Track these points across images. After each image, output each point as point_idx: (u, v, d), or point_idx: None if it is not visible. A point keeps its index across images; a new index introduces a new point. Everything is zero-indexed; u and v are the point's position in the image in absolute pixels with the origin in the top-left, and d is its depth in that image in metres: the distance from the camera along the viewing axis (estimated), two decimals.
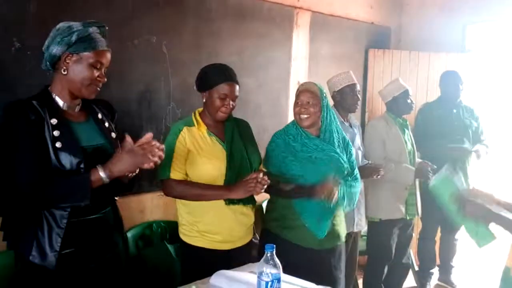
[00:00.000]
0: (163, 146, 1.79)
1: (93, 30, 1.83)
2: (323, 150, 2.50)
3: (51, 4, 2.51)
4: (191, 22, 3.22)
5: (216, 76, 2.31)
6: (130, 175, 1.87)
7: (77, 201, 1.72)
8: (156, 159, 1.75)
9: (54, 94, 1.83)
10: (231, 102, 2.31)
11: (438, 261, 4.29)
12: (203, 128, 2.33)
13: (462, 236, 4.14)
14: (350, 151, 2.66)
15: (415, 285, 4.20)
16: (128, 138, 1.78)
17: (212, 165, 2.28)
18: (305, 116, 2.51)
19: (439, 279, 4.29)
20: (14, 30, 2.38)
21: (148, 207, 2.31)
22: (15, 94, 2.34)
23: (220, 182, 2.29)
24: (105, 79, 1.88)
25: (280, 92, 3.93)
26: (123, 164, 1.74)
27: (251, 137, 2.51)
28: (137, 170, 1.83)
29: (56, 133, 1.73)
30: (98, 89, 1.87)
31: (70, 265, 1.79)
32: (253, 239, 2.58)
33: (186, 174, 2.31)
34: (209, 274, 2.00)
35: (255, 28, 3.67)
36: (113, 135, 1.96)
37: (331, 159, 2.50)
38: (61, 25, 1.82)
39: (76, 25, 1.81)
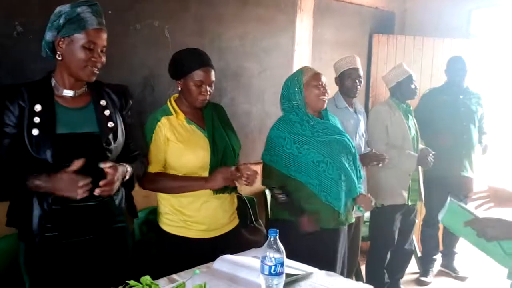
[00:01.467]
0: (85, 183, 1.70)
1: (82, 9, 1.75)
2: (334, 132, 2.52)
3: None
4: (193, 7, 3.19)
5: (189, 63, 2.19)
6: (125, 178, 1.85)
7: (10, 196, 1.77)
8: (74, 194, 1.68)
9: (53, 80, 1.82)
10: (208, 88, 2.20)
11: (441, 247, 4.31)
12: (182, 117, 2.24)
13: None
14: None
15: (418, 271, 4.22)
16: (74, 164, 1.70)
17: (195, 154, 2.20)
18: (325, 98, 2.51)
19: (442, 265, 4.32)
20: (16, 14, 2.37)
21: (151, 192, 2.30)
22: (18, 78, 2.33)
23: (205, 170, 2.22)
24: (103, 60, 1.81)
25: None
26: (53, 188, 1.70)
27: (229, 122, 2.42)
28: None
29: (36, 119, 1.73)
30: (97, 71, 1.80)
31: (59, 249, 1.80)
32: (251, 225, 2.58)
33: (164, 167, 2.24)
34: (195, 264, 1.97)
35: (258, 13, 3.63)
36: (110, 124, 1.88)
37: (341, 138, 2.52)
38: (56, 9, 1.79)
39: (65, 7, 1.76)
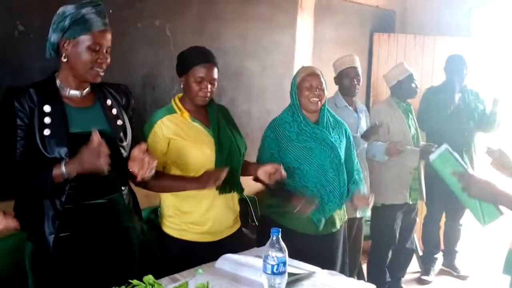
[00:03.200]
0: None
1: (87, 11, 1.73)
2: (321, 139, 2.47)
3: None
4: (195, 5, 3.19)
5: (191, 59, 2.18)
6: (138, 179, 1.81)
7: (39, 194, 1.74)
8: (100, 166, 1.65)
9: (58, 80, 1.81)
10: (209, 86, 2.17)
11: (442, 246, 4.30)
12: (186, 114, 2.21)
13: (467, 222, 4.14)
14: (349, 137, 2.63)
15: (419, 270, 4.21)
16: (95, 136, 1.67)
17: (200, 152, 2.18)
18: (316, 100, 2.46)
19: (443, 264, 4.30)
20: (17, 13, 2.36)
21: (151, 191, 2.29)
22: (19, 77, 2.33)
23: (210, 169, 2.17)
24: (108, 60, 1.81)
25: (284, 76, 3.90)
26: (80, 163, 1.67)
27: (233, 122, 2.41)
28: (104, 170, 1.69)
29: (47, 120, 1.72)
30: (102, 72, 1.81)
31: (70, 249, 1.79)
32: (243, 228, 2.57)
33: (165, 167, 2.22)
34: (198, 265, 1.95)
35: (259, 12, 3.63)
36: (119, 122, 1.89)
37: (328, 147, 2.47)
38: (59, 10, 1.77)
39: (70, 8, 1.74)
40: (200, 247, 2.21)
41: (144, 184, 2.15)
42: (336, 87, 3.29)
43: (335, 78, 3.27)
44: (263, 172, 2.24)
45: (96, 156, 1.64)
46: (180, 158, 2.18)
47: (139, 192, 2.14)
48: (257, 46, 3.65)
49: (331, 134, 2.51)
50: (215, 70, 2.20)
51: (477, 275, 4.21)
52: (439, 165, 1.97)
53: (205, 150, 2.19)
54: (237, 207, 2.39)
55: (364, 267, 3.75)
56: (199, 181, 2.11)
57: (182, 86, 2.23)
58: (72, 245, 1.79)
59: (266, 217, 2.53)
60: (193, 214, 2.21)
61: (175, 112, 2.21)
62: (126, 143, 1.89)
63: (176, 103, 2.24)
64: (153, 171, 1.79)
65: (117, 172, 1.83)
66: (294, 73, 3.85)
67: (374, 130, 3.22)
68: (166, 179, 2.18)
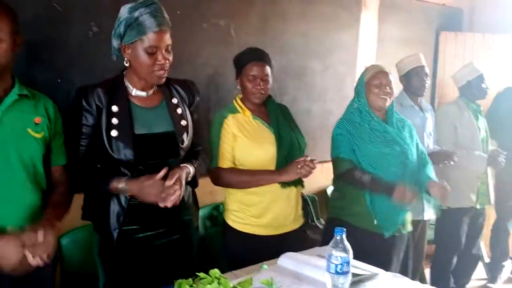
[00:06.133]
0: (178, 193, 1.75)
1: (140, 13, 1.71)
2: (394, 140, 2.43)
3: None
4: (258, 5, 3.21)
5: (242, 59, 2.28)
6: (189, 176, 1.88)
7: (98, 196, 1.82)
8: (167, 203, 1.72)
9: (126, 80, 1.86)
10: (261, 83, 2.22)
11: (511, 253, 4.12)
12: (248, 113, 2.29)
13: None
14: (414, 136, 2.58)
15: (485, 277, 4.06)
16: (161, 172, 1.73)
17: (262, 149, 2.25)
18: (385, 97, 2.44)
19: (511, 272, 4.12)
20: (92, 15, 2.46)
21: (216, 188, 2.34)
22: (92, 76, 2.42)
23: (271, 165, 2.25)
24: (169, 60, 1.80)
25: (346, 76, 3.86)
26: (141, 193, 1.73)
27: (293, 120, 2.45)
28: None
29: (114, 120, 1.77)
30: (164, 73, 1.80)
31: (133, 243, 1.85)
32: (315, 223, 2.56)
33: (234, 163, 2.28)
34: (259, 260, 1.98)
35: (321, 10, 3.61)
36: (183, 123, 1.91)
37: (401, 153, 2.42)
38: (119, 13, 1.79)
39: (123, 12, 1.75)
40: (262, 240, 2.26)
41: (220, 180, 2.26)
42: (399, 87, 3.22)
43: (401, 77, 3.20)
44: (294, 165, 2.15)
45: (158, 192, 1.71)
46: (243, 155, 2.25)
47: (204, 188, 2.19)
48: (319, 45, 3.64)
49: (402, 133, 2.48)
50: (267, 67, 2.25)
51: None
52: None
53: (267, 146, 2.25)
54: (299, 203, 2.41)
55: (427, 271, 3.65)
56: (279, 173, 2.19)
57: (239, 87, 2.31)
58: (135, 238, 1.86)
59: (335, 219, 2.47)
60: (256, 207, 2.27)
61: (237, 111, 2.29)
62: (186, 144, 1.91)
63: (237, 103, 2.32)
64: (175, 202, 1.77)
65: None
66: (357, 72, 3.86)
67: (444, 156, 3.07)
68: (244, 174, 2.25)
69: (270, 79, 2.28)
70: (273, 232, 2.29)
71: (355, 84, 2.59)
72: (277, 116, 2.32)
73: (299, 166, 2.13)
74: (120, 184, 1.74)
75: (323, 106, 3.72)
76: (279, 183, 2.24)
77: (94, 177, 1.81)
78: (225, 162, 2.26)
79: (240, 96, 2.35)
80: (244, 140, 2.24)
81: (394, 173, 2.39)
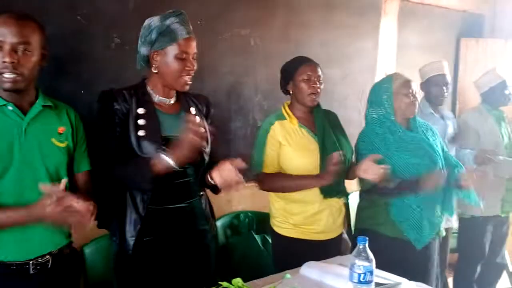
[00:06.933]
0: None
1: (171, 21, 1.82)
2: (422, 147, 2.41)
3: (147, 1, 2.60)
4: (280, 14, 3.24)
5: (295, 63, 2.33)
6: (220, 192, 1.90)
7: (142, 186, 1.79)
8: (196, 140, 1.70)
9: (148, 87, 1.90)
10: (317, 83, 2.29)
11: None
12: (295, 121, 2.32)
13: None
14: (438, 138, 2.57)
15: (510, 286, 3.98)
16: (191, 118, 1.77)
17: (306, 158, 2.27)
18: (415, 106, 2.44)
19: None
20: (115, 27, 2.51)
21: (235, 196, 2.36)
22: (114, 86, 2.47)
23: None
24: (195, 67, 1.87)
25: (366, 84, 3.83)
26: (181, 148, 1.71)
27: (341, 128, 2.47)
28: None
29: (141, 121, 1.81)
30: (190, 80, 1.87)
31: (150, 252, 1.86)
32: (344, 233, 2.55)
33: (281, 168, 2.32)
34: (301, 263, 2.00)
35: (341, 19, 3.62)
36: (202, 130, 1.92)
37: (430, 162, 2.40)
38: (145, 22, 1.87)
39: (155, 21, 1.84)
40: (304, 244, 2.30)
41: (264, 185, 2.33)
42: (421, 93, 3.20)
43: (421, 84, 3.18)
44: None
45: (196, 138, 1.69)
46: (286, 163, 2.29)
47: (222, 197, 2.21)
48: (339, 53, 3.64)
49: (428, 138, 2.47)
50: (319, 68, 2.32)
51: None
52: None
53: (310, 156, 2.28)
54: (342, 214, 2.42)
55: (449, 280, 3.60)
56: (319, 178, 2.21)
57: (291, 92, 2.34)
58: (152, 247, 1.86)
59: (364, 229, 2.44)
60: (298, 216, 2.31)
61: (284, 118, 2.34)
62: (207, 150, 1.95)
63: (285, 110, 2.36)
64: (240, 188, 1.81)
65: (198, 178, 1.91)
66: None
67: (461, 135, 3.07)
68: (285, 179, 2.30)
69: (322, 81, 2.33)
70: (315, 237, 2.32)
71: (370, 95, 2.55)
72: (323, 125, 2.34)
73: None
74: (164, 158, 1.70)
75: (344, 114, 3.67)
76: (321, 194, 2.27)
77: (135, 161, 1.78)
78: (269, 168, 2.30)
79: (288, 102, 2.40)
80: (288, 149, 2.28)
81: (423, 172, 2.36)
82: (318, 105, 2.38)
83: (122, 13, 2.53)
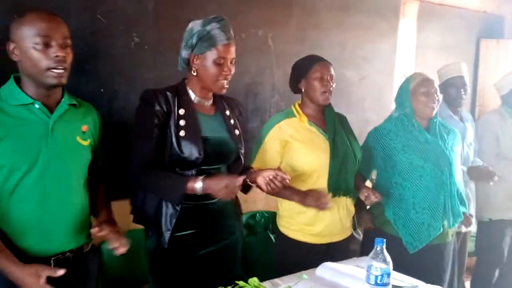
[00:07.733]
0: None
1: (211, 27, 1.86)
2: (433, 151, 2.39)
3: (166, 1, 2.62)
4: (296, 14, 3.23)
5: (308, 61, 2.32)
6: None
7: (170, 200, 1.85)
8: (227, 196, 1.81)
9: (188, 88, 1.95)
10: (330, 81, 2.28)
11: None
12: (304, 119, 2.31)
13: None
14: (458, 143, 2.55)
15: None
16: (241, 179, 1.78)
17: (314, 155, 2.25)
18: (433, 105, 2.41)
19: None
20: (134, 26, 2.53)
21: (251, 197, 2.35)
22: (133, 86, 2.50)
23: (323, 172, 2.25)
24: (232, 71, 1.91)
25: (384, 85, 3.83)
26: (214, 190, 1.77)
27: (351, 130, 2.45)
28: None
29: (182, 122, 1.85)
30: (227, 84, 1.91)
31: (185, 247, 1.89)
32: (353, 234, 2.55)
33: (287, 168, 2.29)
34: (306, 268, 2.00)
35: (358, 20, 3.61)
36: (237, 132, 2.01)
37: (435, 166, 2.37)
38: (188, 26, 1.91)
39: (196, 25, 1.88)
40: (310, 248, 2.27)
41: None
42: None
43: (439, 86, 3.14)
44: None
45: (231, 191, 1.78)
46: (295, 160, 2.27)
47: (239, 197, 2.21)
48: (356, 54, 3.62)
49: (446, 142, 2.44)
50: (331, 67, 2.31)
51: None
52: None
53: (319, 154, 2.26)
54: (350, 214, 2.40)
55: (467, 284, 3.56)
56: (303, 196, 2.20)
57: (303, 90, 2.32)
58: (187, 242, 1.90)
59: (374, 227, 2.48)
60: (304, 215, 2.27)
61: (293, 116, 2.32)
62: (243, 151, 2.01)
63: (295, 108, 2.35)
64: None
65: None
66: (395, 81, 3.82)
67: (485, 175, 2.93)
68: None
69: (334, 80, 2.33)
70: (321, 240, 2.30)
71: (395, 95, 2.56)
72: (334, 125, 2.33)
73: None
74: (196, 183, 1.77)
75: (361, 116, 3.69)
76: (329, 192, 2.24)
77: (170, 179, 1.84)
78: (257, 164, 2.26)
79: (299, 102, 2.39)
80: (296, 145, 2.26)
81: (426, 187, 2.36)
82: (330, 105, 2.37)
83: (141, 13, 2.55)
